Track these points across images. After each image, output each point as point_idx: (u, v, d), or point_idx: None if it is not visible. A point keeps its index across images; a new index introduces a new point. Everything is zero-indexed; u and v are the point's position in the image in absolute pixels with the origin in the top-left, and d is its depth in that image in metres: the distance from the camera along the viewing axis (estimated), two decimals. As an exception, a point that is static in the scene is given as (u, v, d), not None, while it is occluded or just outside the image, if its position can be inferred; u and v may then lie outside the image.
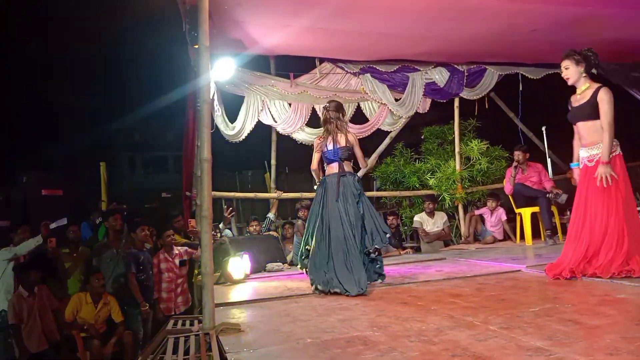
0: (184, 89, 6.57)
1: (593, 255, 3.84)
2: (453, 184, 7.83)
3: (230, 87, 6.76)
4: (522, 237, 6.92)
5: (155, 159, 27.05)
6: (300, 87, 7.07)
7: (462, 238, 7.71)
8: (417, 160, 8.57)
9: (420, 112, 7.68)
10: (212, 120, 6.23)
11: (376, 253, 4.25)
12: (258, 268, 5.76)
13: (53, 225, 5.56)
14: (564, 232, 6.51)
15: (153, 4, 6.81)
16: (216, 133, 6.41)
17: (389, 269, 4.78)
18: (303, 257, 4.38)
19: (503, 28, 5.98)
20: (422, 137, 8.77)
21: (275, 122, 6.99)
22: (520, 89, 7.95)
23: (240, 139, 6.81)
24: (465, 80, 7.68)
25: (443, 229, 7.53)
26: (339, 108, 4.55)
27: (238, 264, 5.14)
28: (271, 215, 7.26)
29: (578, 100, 4.07)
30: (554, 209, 6.71)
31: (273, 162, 7.48)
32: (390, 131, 7.65)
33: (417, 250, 7.69)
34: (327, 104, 4.61)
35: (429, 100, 7.69)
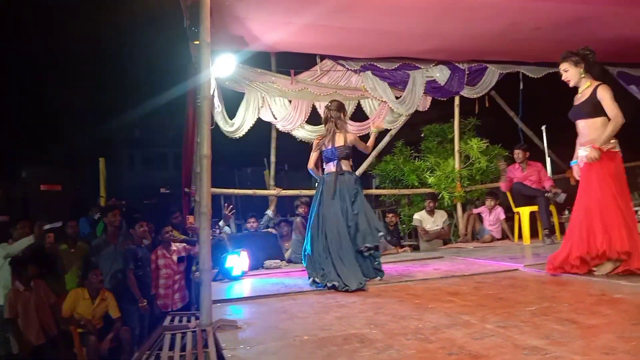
0: (184, 86, 6.56)
1: (589, 249, 3.82)
2: (452, 183, 7.83)
3: (231, 84, 6.75)
4: (520, 236, 6.92)
5: (154, 155, 27.08)
6: (300, 84, 7.06)
7: (460, 237, 7.72)
8: (417, 159, 8.56)
9: (421, 110, 7.66)
10: (212, 116, 6.22)
11: (371, 250, 4.31)
12: (256, 265, 5.75)
13: (47, 227, 5.55)
14: (562, 231, 6.52)
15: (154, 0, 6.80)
16: (216, 130, 6.39)
17: (387, 267, 4.79)
18: (306, 254, 4.45)
19: (506, 26, 5.97)
20: (422, 135, 8.76)
21: (276, 119, 6.97)
22: (521, 87, 7.94)
23: (239, 135, 6.79)
24: (466, 79, 7.66)
25: (443, 228, 7.52)
26: (341, 108, 4.65)
27: (236, 261, 5.14)
28: (270, 212, 7.26)
29: (579, 98, 4.07)
30: (552, 208, 6.71)
31: (273, 159, 7.46)
32: (390, 129, 7.64)
33: (416, 248, 7.69)
34: (329, 103, 4.71)
35: (429, 98, 7.67)
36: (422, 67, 7.53)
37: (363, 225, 4.29)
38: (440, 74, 7.60)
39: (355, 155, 4.74)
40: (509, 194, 7.17)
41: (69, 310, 5.21)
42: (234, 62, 6.40)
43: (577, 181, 4.14)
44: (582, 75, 4.01)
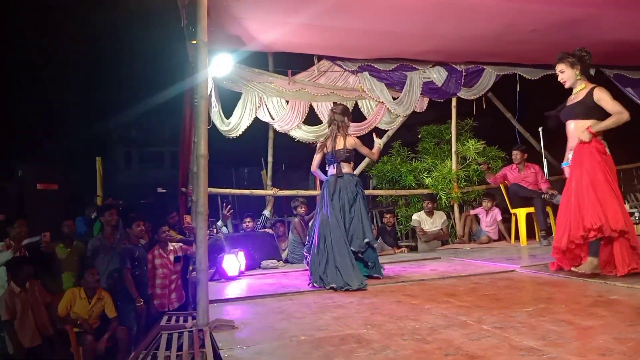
0: (182, 85, 6.55)
1: (585, 225, 3.78)
2: (449, 184, 7.84)
3: (228, 83, 6.74)
4: (517, 237, 6.93)
5: (151, 155, 27.06)
6: (298, 84, 7.05)
7: (457, 238, 7.73)
8: (414, 159, 8.57)
9: (418, 111, 7.67)
10: (209, 116, 6.22)
11: (359, 254, 4.40)
12: (253, 265, 5.75)
13: (25, 242, 5.52)
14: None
15: (151, -2, 6.78)
16: (213, 129, 6.38)
17: (384, 268, 4.79)
18: (309, 253, 4.56)
19: (503, 28, 5.98)
20: (419, 136, 8.77)
21: (273, 119, 6.97)
22: (518, 89, 7.96)
23: (236, 135, 6.77)
24: (463, 80, 7.68)
25: (441, 229, 7.53)
26: (345, 112, 4.81)
27: (233, 261, 5.13)
28: (267, 212, 7.26)
29: (572, 99, 4.07)
30: (549, 209, 6.72)
31: (270, 159, 7.46)
32: (388, 130, 7.64)
33: (413, 249, 7.69)
34: (334, 107, 4.91)
35: (426, 100, 7.68)
36: (420, 68, 7.54)
37: (353, 228, 4.42)
38: (438, 75, 7.61)
39: (355, 155, 4.81)
40: (505, 195, 7.18)
41: (65, 310, 5.20)
42: (231, 61, 6.40)
43: None
44: (578, 77, 4.01)
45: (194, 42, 4.24)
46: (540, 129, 7.22)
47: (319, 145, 4.79)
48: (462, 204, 8.13)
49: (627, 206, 7.80)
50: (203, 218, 3.17)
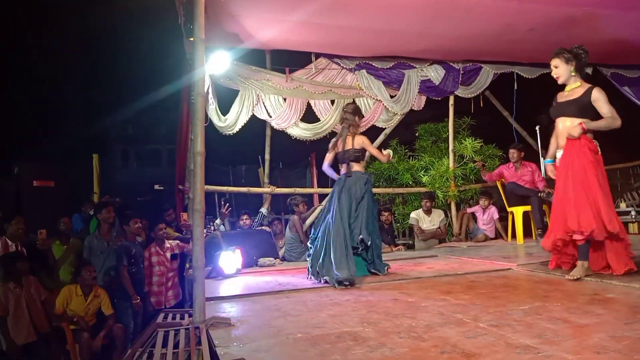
0: (179, 82, 6.54)
1: (579, 225, 3.74)
2: (446, 182, 7.85)
3: (225, 81, 6.72)
4: (514, 235, 6.95)
5: (148, 152, 27.03)
6: (295, 82, 7.04)
7: (454, 236, 7.74)
8: (411, 158, 8.58)
9: (415, 109, 7.67)
10: (206, 113, 6.21)
11: (357, 250, 4.46)
12: (250, 263, 5.75)
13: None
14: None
15: (148, -4, 6.76)
16: (210, 127, 6.37)
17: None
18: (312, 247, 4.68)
19: (501, 27, 5.98)
20: (417, 134, 8.78)
21: (270, 116, 6.95)
22: (515, 87, 7.97)
23: (232, 131, 6.74)
24: (460, 78, 7.68)
25: (439, 227, 7.53)
26: (356, 111, 4.97)
27: (230, 258, 5.13)
28: (264, 210, 7.25)
29: (565, 97, 4.02)
30: (545, 208, 6.74)
31: (267, 157, 7.45)
32: (385, 128, 7.64)
33: (410, 247, 7.70)
34: (346, 106, 5.07)
35: (424, 98, 7.68)
36: (417, 66, 7.54)
37: (356, 225, 4.49)
38: (435, 74, 7.61)
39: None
40: (502, 193, 7.20)
41: (62, 307, 5.18)
42: (228, 59, 6.38)
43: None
44: (572, 74, 3.98)
45: (191, 39, 4.24)
46: (537, 128, 7.24)
47: (330, 144, 4.90)
48: (459, 202, 8.14)
49: (623, 205, 7.88)
50: (200, 215, 3.17)
